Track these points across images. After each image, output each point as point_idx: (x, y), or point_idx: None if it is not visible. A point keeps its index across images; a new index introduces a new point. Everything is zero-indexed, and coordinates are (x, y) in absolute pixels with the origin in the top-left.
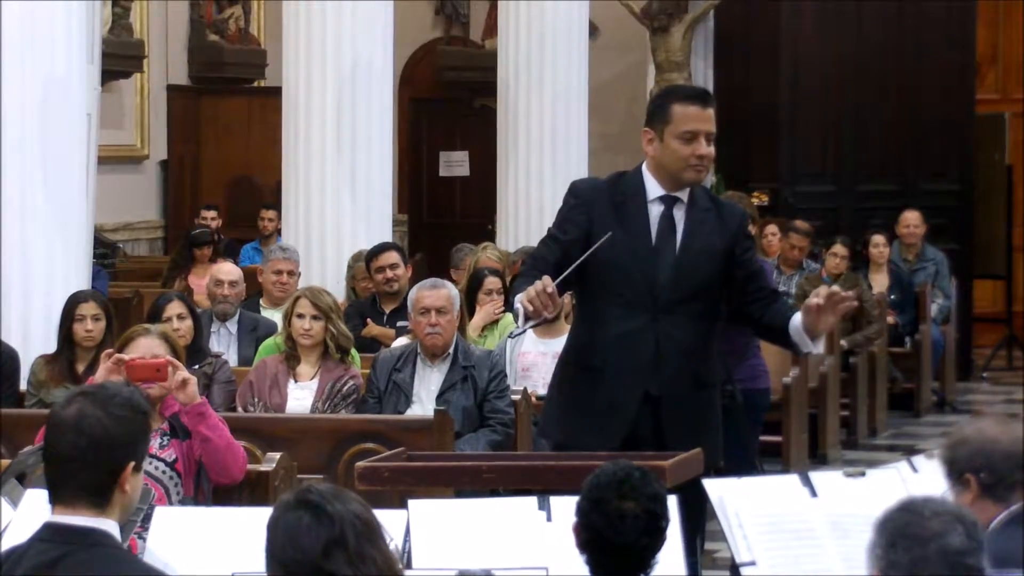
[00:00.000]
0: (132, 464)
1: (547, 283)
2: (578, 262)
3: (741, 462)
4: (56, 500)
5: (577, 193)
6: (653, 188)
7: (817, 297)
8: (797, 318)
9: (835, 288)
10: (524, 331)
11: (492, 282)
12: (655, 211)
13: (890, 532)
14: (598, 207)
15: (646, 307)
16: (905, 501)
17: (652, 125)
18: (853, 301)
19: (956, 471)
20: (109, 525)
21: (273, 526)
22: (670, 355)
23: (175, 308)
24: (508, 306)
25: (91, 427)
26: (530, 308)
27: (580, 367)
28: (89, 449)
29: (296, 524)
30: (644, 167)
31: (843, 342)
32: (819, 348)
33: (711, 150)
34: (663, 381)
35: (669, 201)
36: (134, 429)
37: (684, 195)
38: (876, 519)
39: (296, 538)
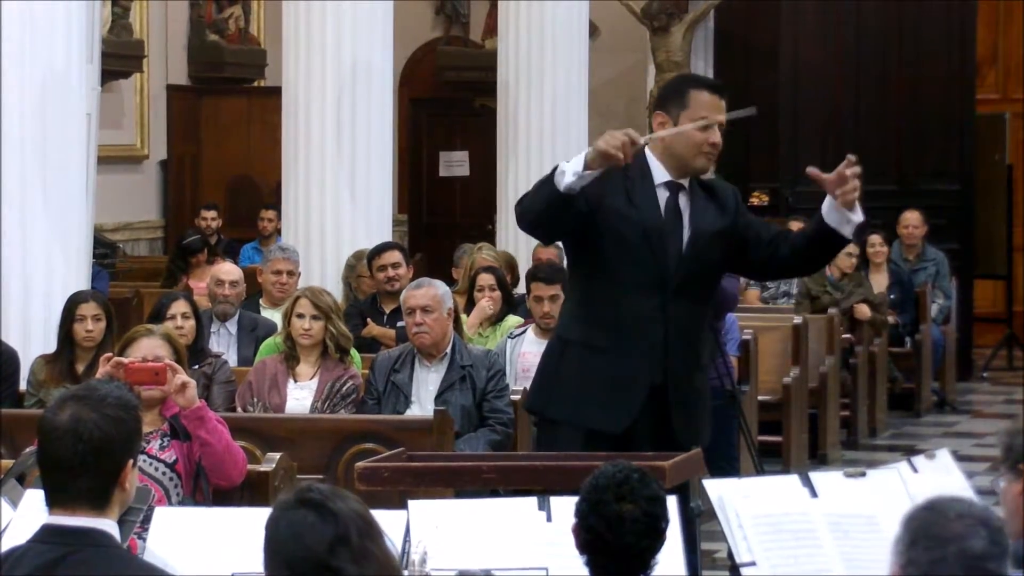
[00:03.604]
0: (131, 462)
1: (635, 137)
2: (734, 114)
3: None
4: (55, 504)
5: None
6: (659, 173)
7: (831, 173)
8: (826, 205)
9: (845, 161)
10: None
11: (484, 278)
12: (662, 195)
13: (913, 530)
14: (612, 183)
15: (656, 290)
16: (932, 499)
17: (666, 109)
18: (856, 166)
19: (1012, 459)
20: (108, 525)
21: (275, 525)
22: (677, 339)
23: (180, 307)
24: (507, 305)
25: (90, 433)
26: (619, 156)
27: (585, 346)
28: (90, 455)
29: (301, 522)
30: (648, 151)
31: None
32: (859, 215)
33: (721, 140)
34: (670, 365)
35: (674, 187)
36: (130, 428)
37: (686, 182)
38: (904, 515)
39: (301, 536)
